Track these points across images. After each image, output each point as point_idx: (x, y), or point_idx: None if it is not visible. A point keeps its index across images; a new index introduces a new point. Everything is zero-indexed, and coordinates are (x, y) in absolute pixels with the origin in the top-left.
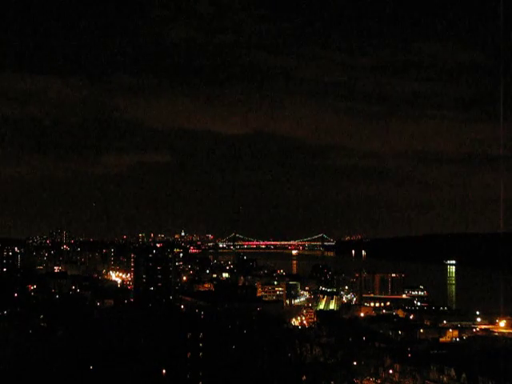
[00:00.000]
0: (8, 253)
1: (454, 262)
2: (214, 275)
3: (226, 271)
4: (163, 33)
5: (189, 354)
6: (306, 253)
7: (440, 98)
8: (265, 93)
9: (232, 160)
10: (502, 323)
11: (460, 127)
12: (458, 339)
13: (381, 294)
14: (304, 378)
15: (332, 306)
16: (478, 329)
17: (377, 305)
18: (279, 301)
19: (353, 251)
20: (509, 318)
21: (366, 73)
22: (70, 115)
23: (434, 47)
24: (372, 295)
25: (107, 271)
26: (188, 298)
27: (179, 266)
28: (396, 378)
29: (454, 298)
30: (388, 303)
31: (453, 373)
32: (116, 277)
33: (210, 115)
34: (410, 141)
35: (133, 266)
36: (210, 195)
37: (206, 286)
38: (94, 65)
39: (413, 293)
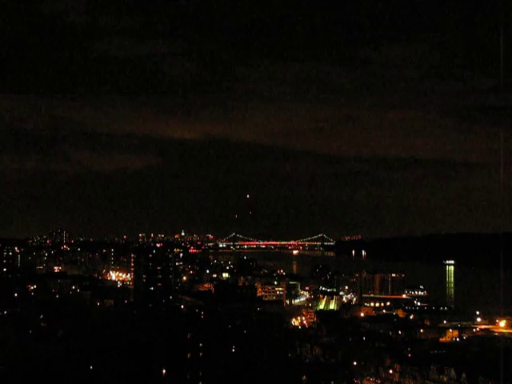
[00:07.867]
0: (8, 253)
1: (452, 262)
2: (214, 275)
3: (226, 271)
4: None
5: (189, 354)
6: (306, 253)
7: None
8: (208, 101)
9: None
10: (502, 323)
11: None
12: (457, 339)
13: (381, 294)
14: (304, 377)
15: (332, 306)
16: (477, 329)
17: (377, 305)
18: (279, 301)
19: (353, 251)
20: (509, 317)
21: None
22: (23, 124)
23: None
24: (372, 295)
25: (107, 271)
26: (188, 298)
27: (179, 265)
28: (396, 378)
29: (453, 298)
30: (388, 303)
31: (453, 373)
32: (116, 277)
33: (155, 121)
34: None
35: (133, 266)
36: (209, 195)
37: (206, 286)
38: (34, 78)
39: (413, 293)
